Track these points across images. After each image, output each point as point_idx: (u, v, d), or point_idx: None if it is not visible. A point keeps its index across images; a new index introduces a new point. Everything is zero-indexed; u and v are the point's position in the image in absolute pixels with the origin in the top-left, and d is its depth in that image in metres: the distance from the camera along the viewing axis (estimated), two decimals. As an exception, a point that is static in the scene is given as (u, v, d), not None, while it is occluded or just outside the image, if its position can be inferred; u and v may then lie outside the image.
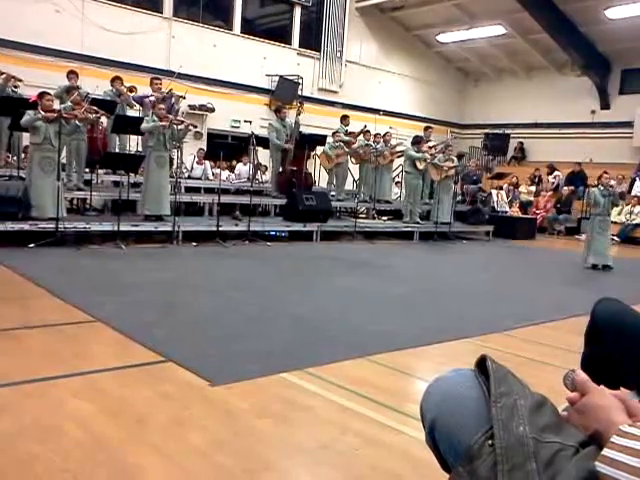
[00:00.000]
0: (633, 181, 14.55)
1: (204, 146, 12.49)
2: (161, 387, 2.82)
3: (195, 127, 9.77)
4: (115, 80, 9.51)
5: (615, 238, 13.39)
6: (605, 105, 16.44)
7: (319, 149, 11.66)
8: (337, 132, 11.76)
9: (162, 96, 9.19)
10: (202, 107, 13.41)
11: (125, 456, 2.13)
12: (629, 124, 15.42)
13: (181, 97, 9.79)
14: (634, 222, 13.45)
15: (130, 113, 9.60)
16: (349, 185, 12.80)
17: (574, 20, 14.82)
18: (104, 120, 9.10)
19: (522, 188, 15.69)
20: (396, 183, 13.84)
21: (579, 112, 16.50)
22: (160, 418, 2.46)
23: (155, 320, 4.02)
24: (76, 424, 2.35)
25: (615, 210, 13.52)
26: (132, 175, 8.09)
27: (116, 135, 9.33)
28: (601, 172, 8.87)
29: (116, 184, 9.05)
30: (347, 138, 11.64)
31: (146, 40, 12.47)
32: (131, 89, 9.59)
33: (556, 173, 15.80)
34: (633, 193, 14.13)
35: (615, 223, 13.66)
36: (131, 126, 8.49)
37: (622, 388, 1.86)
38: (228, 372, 3.04)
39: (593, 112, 16.61)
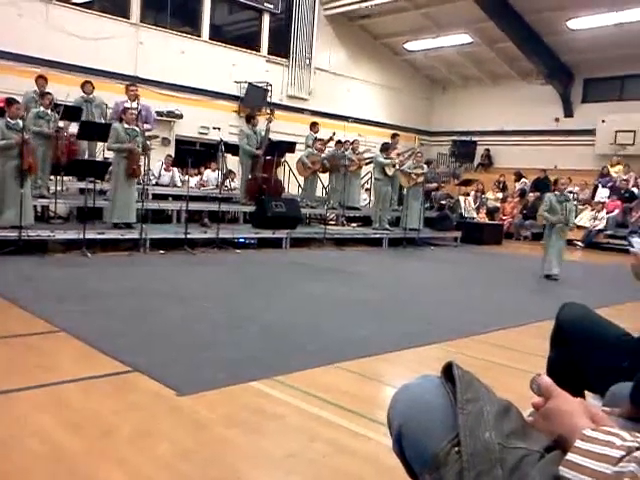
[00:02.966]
0: (596, 187, 14.89)
1: (172, 153, 12.38)
2: (127, 398, 2.77)
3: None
4: (85, 85, 9.36)
5: (580, 244, 13.69)
6: (569, 113, 16.82)
7: (288, 156, 11.66)
8: (322, 140, 11.76)
9: (144, 111, 9.04)
10: (170, 114, 13.30)
11: (89, 470, 2.08)
12: (591, 132, 15.79)
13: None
14: (598, 228, 13.75)
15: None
16: (318, 192, 12.82)
17: (538, 30, 15.15)
18: (70, 126, 8.95)
19: (489, 194, 15.93)
20: (366, 190, 13.92)
21: (544, 120, 16.84)
22: (126, 429, 2.41)
23: (121, 329, 3.95)
24: (38, 438, 2.29)
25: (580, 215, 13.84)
26: (98, 182, 7.96)
27: (84, 141, 9.17)
28: (558, 178, 8.75)
29: (82, 191, 8.88)
30: (329, 151, 11.73)
31: (112, 46, 12.31)
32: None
33: (523, 180, 16.09)
34: (596, 199, 14.45)
35: (579, 228, 13.99)
36: (97, 133, 8.36)
37: (587, 391, 1.89)
38: (196, 381, 3.00)
39: (557, 120, 16.97)
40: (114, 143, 7.80)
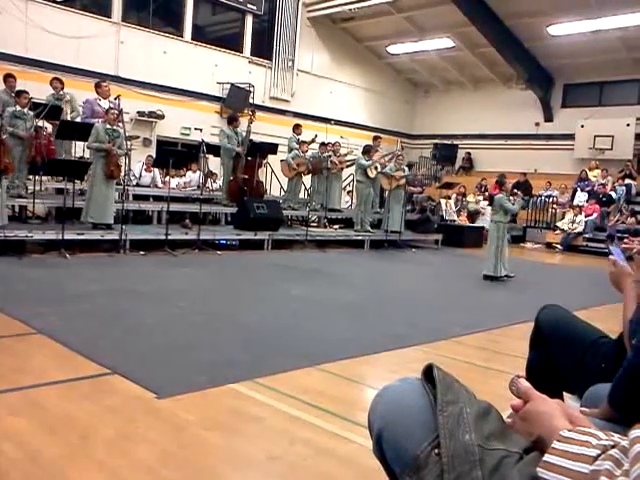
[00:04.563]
0: (575, 191, 15.08)
1: (153, 153, 12.28)
2: (106, 401, 2.73)
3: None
4: (54, 81, 9.23)
5: (558, 246, 13.85)
6: (548, 118, 17.02)
7: (270, 157, 11.65)
8: (304, 142, 11.77)
9: (116, 111, 8.95)
10: (151, 114, 13.20)
11: (67, 474, 2.05)
12: (571, 136, 15.99)
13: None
14: (575, 231, 13.92)
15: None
16: (301, 194, 12.81)
17: (519, 35, 15.32)
18: (49, 126, 8.84)
19: (470, 197, 16.04)
20: (348, 192, 13.94)
21: (524, 124, 17.02)
22: (105, 433, 2.39)
23: (100, 331, 3.91)
24: (13, 443, 2.25)
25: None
26: (77, 182, 7.88)
27: (61, 141, 9.06)
28: (504, 181, 8.80)
29: (60, 191, 8.78)
30: (312, 152, 11.74)
31: (93, 45, 12.19)
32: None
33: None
34: (574, 203, 14.64)
35: (558, 232, 14.16)
36: (77, 132, 8.27)
37: (565, 392, 1.91)
38: (175, 384, 2.97)
39: (537, 124, 17.16)
40: (94, 142, 7.73)
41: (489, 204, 13.44)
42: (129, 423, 2.50)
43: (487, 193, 15.47)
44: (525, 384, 0.94)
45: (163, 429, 2.46)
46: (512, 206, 7.74)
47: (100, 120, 8.30)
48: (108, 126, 7.82)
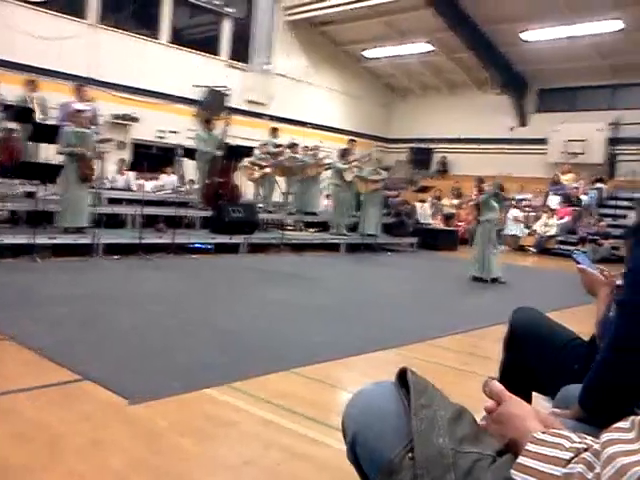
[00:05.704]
0: (547, 194, 15.30)
1: (128, 156, 12.16)
2: (77, 407, 2.68)
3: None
4: (28, 84, 9.09)
5: (532, 249, 14.03)
6: (522, 122, 17.26)
7: (247, 161, 11.60)
8: (265, 144, 11.77)
9: (91, 113, 8.84)
10: (126, 117, 13.07)
11: (35, 482, 2.01)
12: (544, 141, 16.23)
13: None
14: (548, 234, 14.11)
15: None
16: (276, 197, 12.79)
17: (494, 41, 15.53)
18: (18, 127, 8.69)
19: (445, 201, 16.18)
20: (327, 196, 13.95)
21: (499, 128, 17.23)
22: (76, 440, 2.34)
23: (71, 337, 3.84)
24: (-20, 450, 2.19)
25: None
26: (49, 185, 7.74)
27: (31, 143, 8.90)
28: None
29: (30, 195, 8.61)
30: (274, 150, 11.67)
31: (69, 46, 12.02)
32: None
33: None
34: (549, 206, 14.85)
35: (531, 234, 14.35)
36: (49, 135, 8.13)
37: (539, 394, 1.92)
38: (148, 389, 2.93)
39: (511, 129, 17.40)
40: (65, 147, 7.61)
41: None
42: (101, 430, 2.45)
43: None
44: (497, 386, 0.93)
45: (135, 435, 2.42)
46: (495, 205, 7.86)
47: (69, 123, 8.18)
48: (77, 129, 7.70)
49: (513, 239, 14.39)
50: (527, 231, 14.44)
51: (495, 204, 7.92)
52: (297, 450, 2.38)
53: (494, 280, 7.88)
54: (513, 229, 14.47)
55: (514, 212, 14.63)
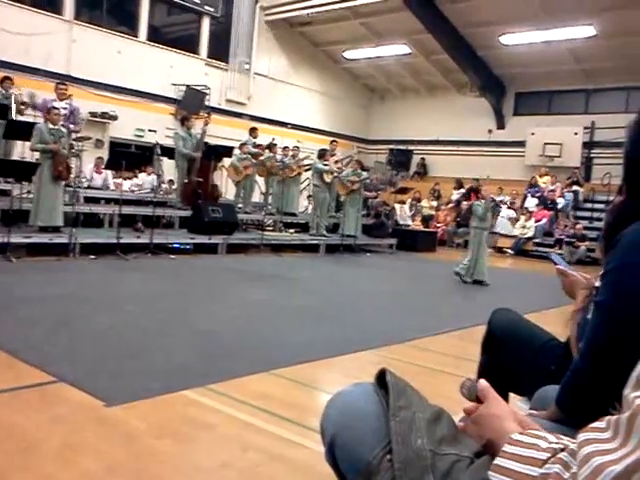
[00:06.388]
0: (525, 197, 15.47)
1: (106, 155, 12.02)
2: (52, 410, 2.64)
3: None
4: (4, 81, 8.95)
5: (509, 251, 14.17)
6: (501, 125, 17.44)
7: (226, 161, 11.56)
8: (245, 144, 11.73)
9: (70, 109, 8.72)
10: (104, 115, 12.92)
11: (8, 486, 1.97)
12: (522, 143, 16.42)
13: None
14: (526, 236, 14.27)
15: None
16: (256, 198, 12.76)
17: (473, 44, 15.66)
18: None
19: (424, 202, 16.27)
20: (308, 197, 13.94)
21: (477, 131, 17.39)
22: (51, 443, 2.30)
23: (46, 338, 3.78)
24: (-48, 454, 2.15)
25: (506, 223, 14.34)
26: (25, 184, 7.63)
27: (3, 140, 8.76)
28: (479, 187, 9.02)
29: (5, 193, 8.47)
30: (255, 150, 11.65)
31: (44, 42, 11.86)
32: (23, 103, 9.01)
33: (461, 190, 16.44)
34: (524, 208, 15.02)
35: (508, 236, 14.50)
36: (24, 132, 8.00)
37: (516, 395, 1.94)
38: (125, 391, 2.90)
39: (490, 131, 17.56)
40: (38, 143, 7.50)
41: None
42: (76, 433, 2.42)
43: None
44: (484, 384, 0.94)
45: (112, 438, 2.39)
46: (479, 211, 7.91)
47: (43, 120, 8.07)
48: (51, 126, 7.60)
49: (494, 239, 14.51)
50: (517, 232, 14.48)
51: (488, 214, 7.99)
52: (275, 452, 2.37)
53: (475, 282, 7.94)
54: (505, 229, 14.52)
55: (510, 213, 14.72)
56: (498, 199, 15.59)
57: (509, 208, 14.81)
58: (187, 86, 14.23)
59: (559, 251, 12.78)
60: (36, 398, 2.78)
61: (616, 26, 12.94)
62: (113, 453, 2.26)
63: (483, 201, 8.07)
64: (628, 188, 1.32)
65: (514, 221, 14.58)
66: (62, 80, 10.08)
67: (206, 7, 14.99)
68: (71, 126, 8.59)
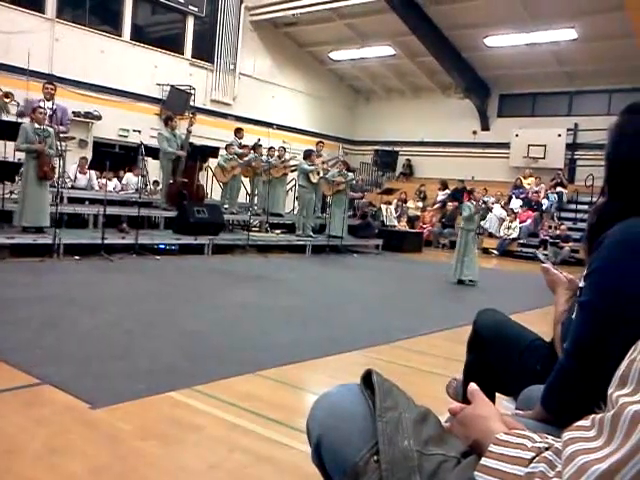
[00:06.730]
0: (510, 198, 15.58)
1: (90, 155, 11.92)
2: (36, 412, 2.61)
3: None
4: None
5: (494, 251, 14.26)
6: (485, 127, 17.54)
7: (212, 161, 11.52)
8: (231, 145, 11.70)
9: (60, 110, 8.64)
10: (88, 115, 12.82)
11: (-9, 490, 1.95)
12: (506, 145, 16.54)
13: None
14: (511, 236, 14.37)
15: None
16: (242, 198, 12.72)
17: (457, 46, 15.74)
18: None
19: (410, 203, 16.32)
20: (296, 198, 13.92)
21: (462, 132, 17.48)
22: (34, 446, 2.28)
23: (30, 340, 3.74)
24: None
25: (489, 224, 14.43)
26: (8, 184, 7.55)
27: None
28: (473, 189, 9.10)
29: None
30: (240, 151, 11.63)
31: (25, 41, 11.71)
32: (7, 95, 8.91)
33: (447, 190, 16.50)
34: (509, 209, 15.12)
35: (494, 237, 14.59)
36: (7, 132, 7.92)
37: (502, 395, 1.95)
38: (110, 393, 2.88)
39: (475, 133, 17.66)
40: (23, 143, 7.43)
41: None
42: (60, 435, 2.40)
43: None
44: (473, 387, 0.95)
45: (97, 440, 2.37)
46: (467, 212, 7.94)
47: (29, 120, 8.00)
48: (37, 125, 7.53)
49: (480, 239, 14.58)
50: (502, 232, 14.56)
51: (476, 216, 8.03)
52: (262, 453, 2.37)
53: (460, 282, 7.98)
54: (494, 228, 14.58)
55: (502, 213, 14.79)
56: (487, 200, 15.73)
57: (502, 208, 14.91)
58: (172, 86, 14.15)
59: (544, 252, 12.90)
60: (19, 400, 2.75)
61: (597, 29, 13.08)
62: (98, 456, 2.24)
63: (474, 203, 8.10)
64: (610, 189, 1.33)
65: (501, 222, 14.67)
66: (45, 79, 9.98)
67: (190, 7, 14.92)
68: (61, 127, 8.51)
